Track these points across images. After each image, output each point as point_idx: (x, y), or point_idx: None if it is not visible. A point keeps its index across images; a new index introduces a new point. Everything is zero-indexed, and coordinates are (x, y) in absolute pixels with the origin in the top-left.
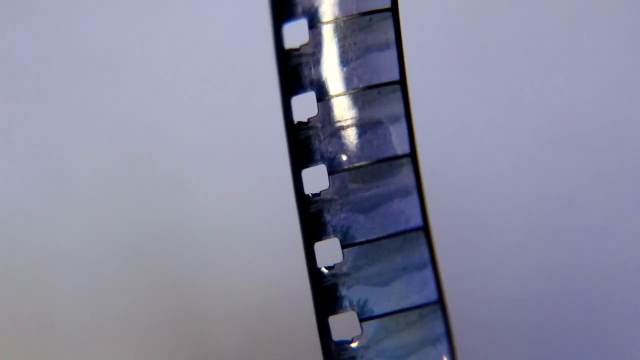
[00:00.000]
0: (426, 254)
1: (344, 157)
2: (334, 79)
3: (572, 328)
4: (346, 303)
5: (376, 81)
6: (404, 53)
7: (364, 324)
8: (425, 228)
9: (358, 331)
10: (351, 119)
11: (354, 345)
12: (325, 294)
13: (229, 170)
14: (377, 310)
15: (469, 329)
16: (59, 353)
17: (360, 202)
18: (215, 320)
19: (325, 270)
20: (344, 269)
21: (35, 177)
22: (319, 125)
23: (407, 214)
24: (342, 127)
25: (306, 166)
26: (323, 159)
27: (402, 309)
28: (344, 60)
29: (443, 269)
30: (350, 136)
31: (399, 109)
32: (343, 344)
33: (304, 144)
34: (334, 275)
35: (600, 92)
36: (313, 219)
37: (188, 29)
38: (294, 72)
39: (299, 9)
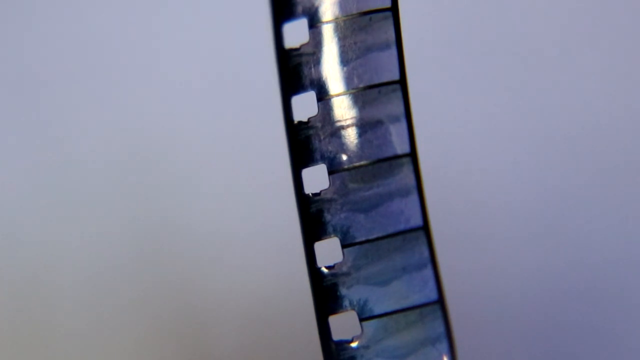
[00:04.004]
0: (426, 254)
1: (344, 157)
2: (334, 79)
3: (572, 327)
4: (346, 303)
5: (376, 81)
6: (404, 53)
7: (364, 323)
8: (425, 228)
9: (358, 331)
10: (351, 118)
11: (354, 345)
12: (325, 293)
13: (229, 169)
14: (377, 310)
15: (469, 329)
16: (59, 353)
17: (360, 201)
18: (215, 319)
19: (325, 270)
20: (344, 269)
21: (35, 177)
22: (319, 124)
23: (407, 213)
24: (342, 127)
25: (306, 166)
26: (323, 159)
27: (402, 309)
28: (344, 60)
29: (443, 268)
30: (351, 136)
31: (399, 108)
32: (343, 344)
33: (304, 143)
34: (334, 275)
35: (601, 91)
36: (313, 218)
37: (188, 28)
38: (294, 71)
39: (299, 8)
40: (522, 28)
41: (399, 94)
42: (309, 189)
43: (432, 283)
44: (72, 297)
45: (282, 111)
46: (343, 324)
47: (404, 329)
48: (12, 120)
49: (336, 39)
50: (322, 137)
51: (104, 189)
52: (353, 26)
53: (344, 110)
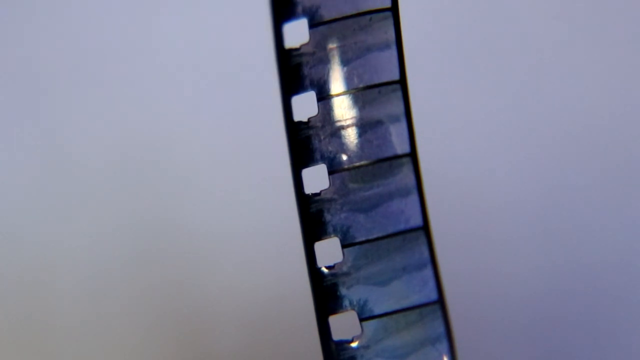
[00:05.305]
0: (426, 254)
1: (344, 157)
2: (334, 79)
3: (572, 327)
4: (346, 303)
5: (376, 81)
6: (404, 53)
7: (364, 323)
8: (425, 228)
9: (358, 331)
10: (351, 118)
11: (354, 345)
12: (325, 293)
13: (229, 169)
14: (377, 310)
15: (469, 329)
16: (58, 353)
17: (360, 201)
18: (215, 319)
19: (325, 270)
20: (344, 269)
21: (36, 176)
22: (319, 124)
23: (407, 213)
24: (342, 127)
25: (306, 166)
26: (323, 159)
27: (402, 309)
28: (344, 60)
29: (443, 269)
30: (351, 136)
31: (399, 108)
32: (343, 344)
33: (304, 143)
34: (334, 275)
35: (601, 91)
36: (313, 218)
37: (188, 28)
38: (294, 71)
39: (299, 8)
40: (522, 28)
41: (399, 94)
42: (309, 189)
43: (432, 283)
44: (72, 297)
45: (282, 111)
46: (343, 324)
47: (404, 329)
48: (12, 120)
49: (336, 39)
50: (322, 137)
51: (104, 188)
52: (353, 26)
53: (344, 110)
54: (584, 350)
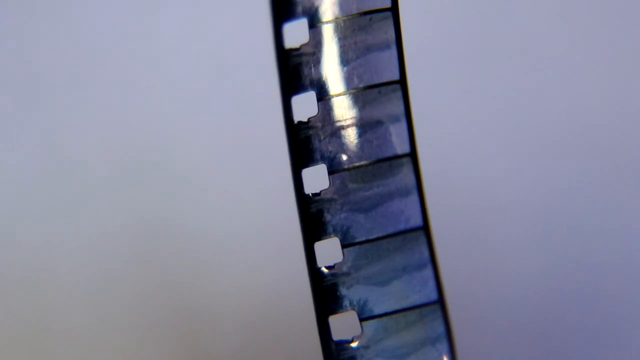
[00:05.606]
0: (426, 254)
1: (344, 157)
2: (334, 79)
3: (572, 327)
4: (346, 303)
5: (376, 81)
6: (404, 53)
7: (364, 323)
8: (425, 228)
9: (358, 331)
10: (351, 118)
11: (354, 345)
12: (325, 293)
13: (229, 169)
14: (377, 310)
15: (469, 329)
16: (59, 353)
17: (360, 201)
18: (215, 319)
19: (325, 270)
20: (344, 269)
21: (36, 176)
22: (319, 124)
23: (407, 213)
24: (342, 127)
25: (306, 166)
26: (323, 159)
27: (402, 309)
28: (344, 60)
29: (443, 269)
30: (351, 136)
31: (399, 108)
32: (343, 344)
33: (304, 143)
34: (334, 275)
35: (601, 92)
36: (313, 218)
37: (188, 28)
38: (294, 71)
39: (299, 8)
40: (522, 28)
41: (399, 94)
42: (309, 189)
43: (432, 283)
44: (72, 297)
45: (282, 111)
46: (343, 324)
47: (404, 329)
48: (12, 120)
49: (336, 39)
50: (322, 137)
51: (104, 188)
52: (353, 26)
53: (344, 110)
54: (584, 350)
